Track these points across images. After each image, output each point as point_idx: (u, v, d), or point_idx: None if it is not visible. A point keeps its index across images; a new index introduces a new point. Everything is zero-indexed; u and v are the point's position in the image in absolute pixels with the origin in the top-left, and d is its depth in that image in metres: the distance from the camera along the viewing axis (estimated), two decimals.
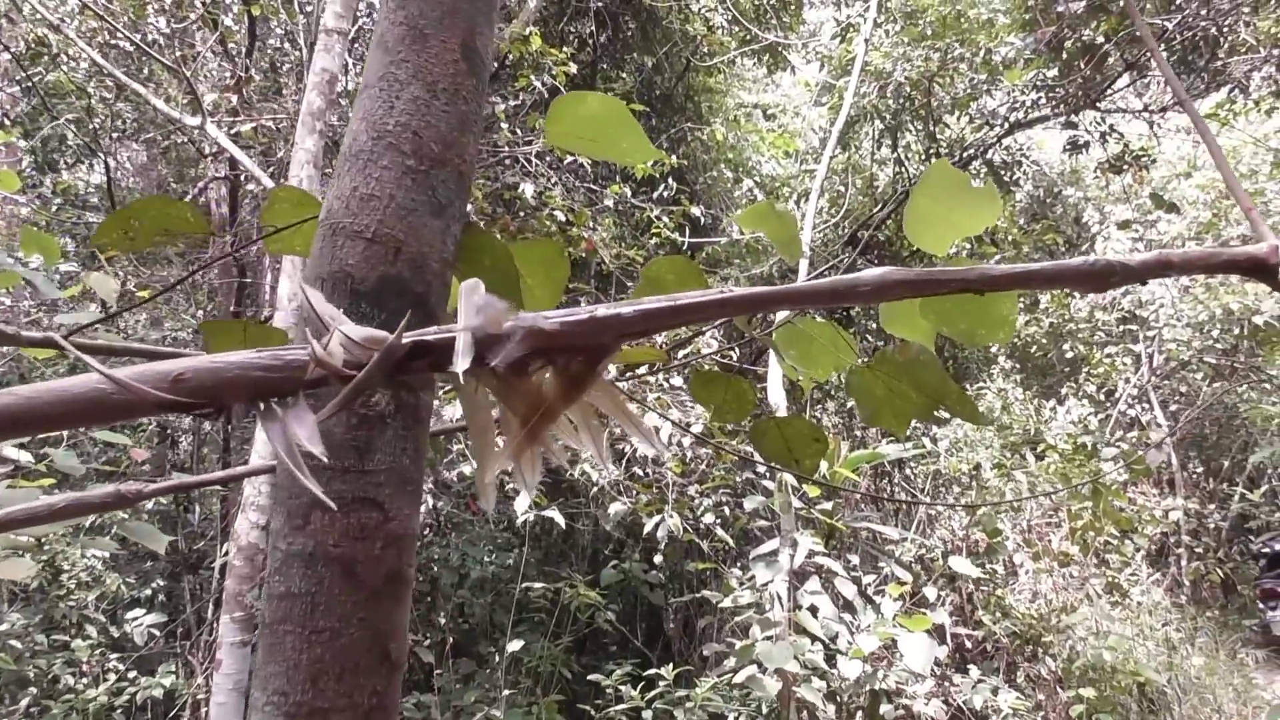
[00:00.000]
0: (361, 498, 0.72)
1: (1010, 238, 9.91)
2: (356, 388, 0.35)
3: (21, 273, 2.87)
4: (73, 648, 6.97)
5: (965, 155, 9.01)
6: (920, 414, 1.18)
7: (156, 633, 7.42)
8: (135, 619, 7.23)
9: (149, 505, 7.84)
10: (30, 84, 8.05)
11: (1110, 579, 8.15)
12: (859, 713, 5.43)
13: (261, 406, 0.35)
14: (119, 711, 6.93)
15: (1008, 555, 7.76)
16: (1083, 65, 8.08)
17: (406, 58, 0.81)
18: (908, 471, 8.92)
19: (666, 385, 5.81)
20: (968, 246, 10.03)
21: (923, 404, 1.15)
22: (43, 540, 6.88)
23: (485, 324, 0.37)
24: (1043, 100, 8.62)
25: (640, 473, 5.87)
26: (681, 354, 5.28)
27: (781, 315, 1.37)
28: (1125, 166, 9.25)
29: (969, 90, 8.70)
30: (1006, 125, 8.76)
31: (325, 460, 0.37)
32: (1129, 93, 9.59)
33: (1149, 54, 8.44)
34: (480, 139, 0.85)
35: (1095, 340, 11.01)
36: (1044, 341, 10.99)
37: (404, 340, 0.36)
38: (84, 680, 7.08)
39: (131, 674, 7.12)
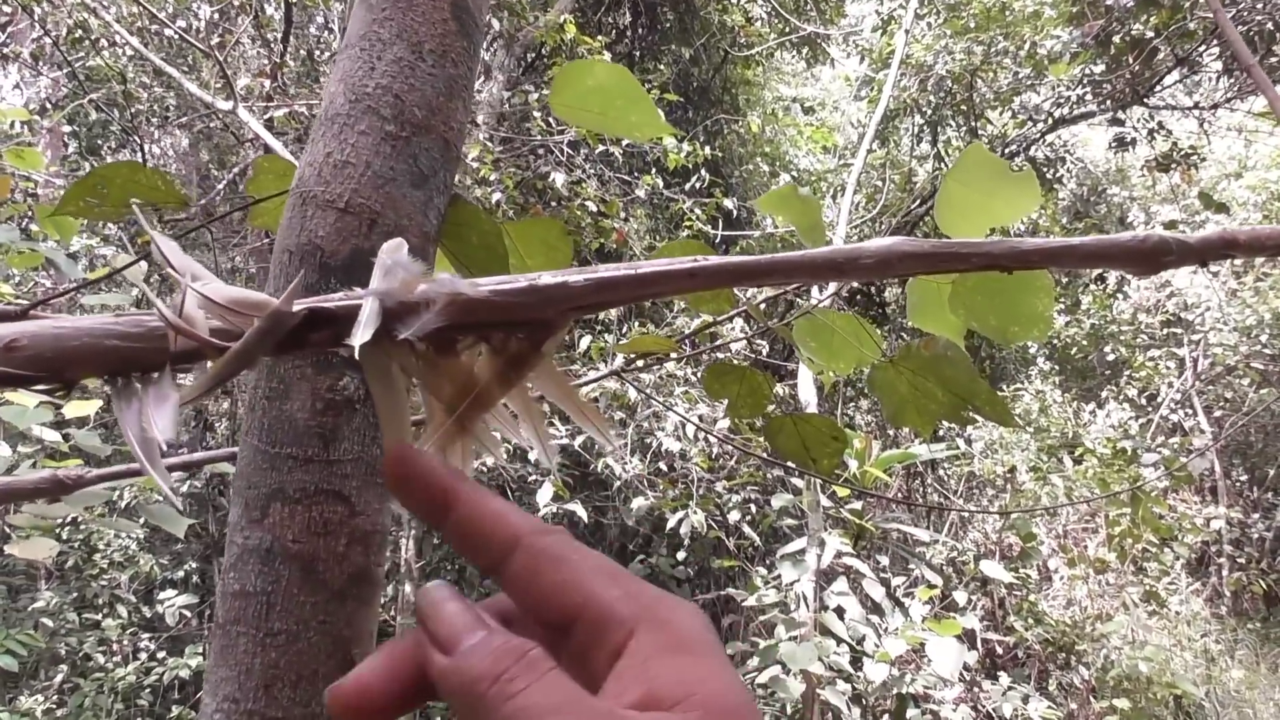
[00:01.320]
0: (325, 490, 0.66)
1: (1052, 236, 9.70)
2: (229, 363, 0.29)
3: (44, 252, 2.86)
4: (103, 627, 7.05)
5: (1008, 151, 8.82)
6: (947, 414, 1.10)
7: (188, 614, 7.48)
8: (168, 600, 7.29)
9: (183, 488, 7.89)
10: (71, 69, 8.13)
11: (1148, 588, 7.95)
12: (885, 717, 5.33)
13: (118, 382, 0.29)
14: (148, 690, 7.01)
15: (1042, 560, 7.60)
16: (1131, 60, 7.86)
17: (391, 16, 0.75)
18: (941, 473, 8.76)
19: (695, 378, 5.74)
20: None
21: (950, 403, 1.07)
22: (79, 519, 6.96)
23: (396, 289, 0.31)
24: (1089, 96, 8.41)
25: (665, 468, 5.80)
26: (710, 346, 5.19)
27: (817, 300, 1.29)
28: (1173, 165, 9.00)
29: (1012, 85, 8.51)
30: (1050, 121, 8.55)
31: (164, 449, 0.31)
32: (1179, 89, 9.33)
33: (1200, 49, 8.21)
34: (471, 106, 0.79)
35: (1138, 343, 10.76)
36: (1084, 343, 10.76)
37: (295, 307, 0.30)
38: (114, 659, 7.17)
39: (161, 654, 7.19)
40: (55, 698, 6.83)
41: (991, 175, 1.21)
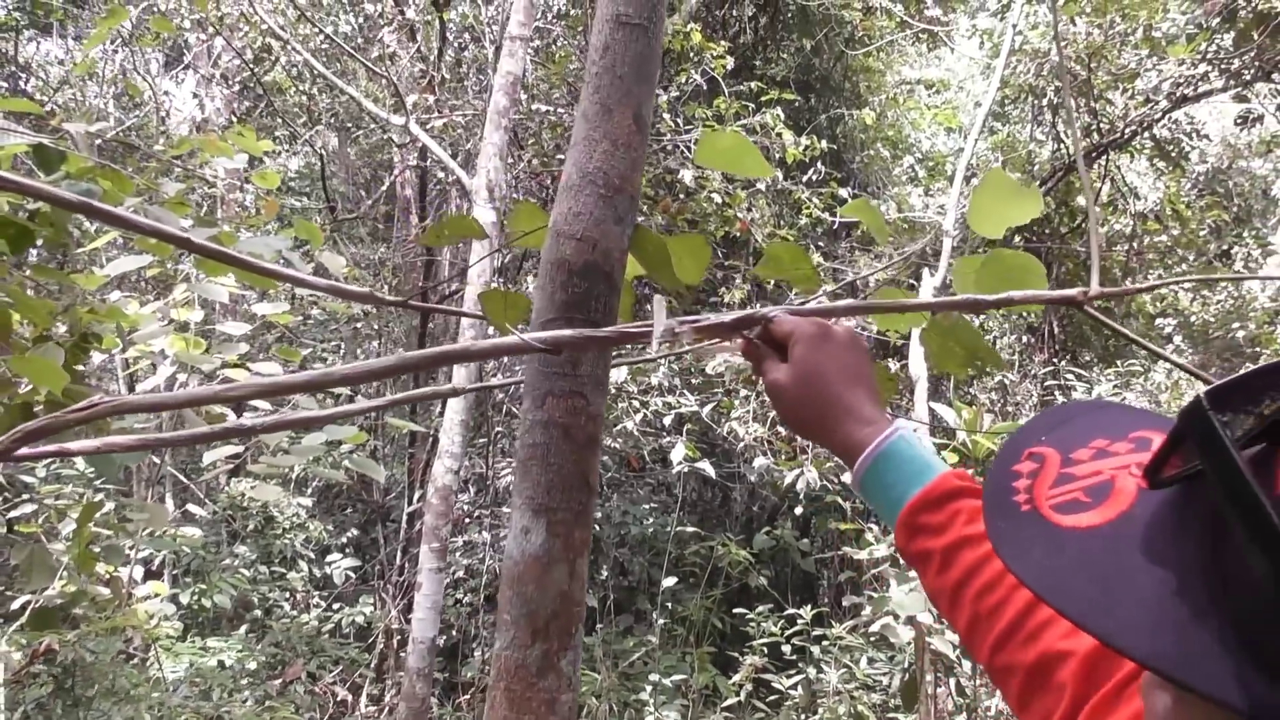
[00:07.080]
0: (574, 391, 1.24)
1: (1175, 212, 9.64)
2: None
3: (282, 253, 3.58)
4: (288, 579, 8.04)
5: (1129, 131, 8.85)
6: (966, 361, 1.60)
7: (351, 574, 8.40)
8: (333, 562, 8.22)
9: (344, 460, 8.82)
10: (258, 83, 9.16)
11: None
12: None
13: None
14: (325, 635, 7.97)
15: None
16: (1257, 35, 7.81)
17: (599, 125, 1.32)
18: None
19: None
20: (1129, 224, 9.85)
21: (964, 355, 1.58)
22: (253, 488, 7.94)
23: (668, 329, 0.88)
24: (1214, 73, 8.37)
25: (783, 430, 6.30)
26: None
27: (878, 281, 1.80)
28: None
29: (1132, 66, 8.54)
30: (1172, 101, 8.55)
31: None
32: None
33: None
34: (644, 170, 1.33)
35: None
36: (1213, 322, 10.59)
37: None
38: (299, 608, 8.17)
39: (336, 605, 8.14)
40: (249, 637, 7.81)
41: (1006, 191, 1.70)
